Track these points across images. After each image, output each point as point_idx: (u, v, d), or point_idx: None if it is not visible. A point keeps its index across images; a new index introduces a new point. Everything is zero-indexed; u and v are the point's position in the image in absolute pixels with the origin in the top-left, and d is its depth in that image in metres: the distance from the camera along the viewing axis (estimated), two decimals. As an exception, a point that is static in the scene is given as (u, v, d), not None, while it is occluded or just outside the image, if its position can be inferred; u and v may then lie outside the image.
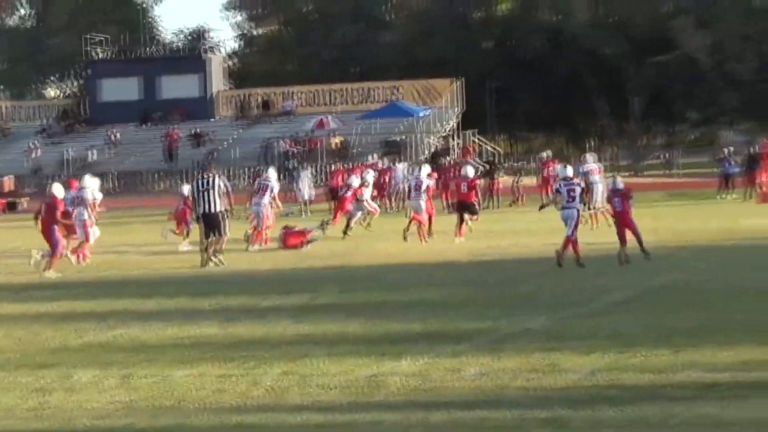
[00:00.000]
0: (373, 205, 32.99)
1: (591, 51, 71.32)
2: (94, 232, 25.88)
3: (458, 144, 60.44)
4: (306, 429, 9.81)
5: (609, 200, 22.12)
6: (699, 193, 43.44)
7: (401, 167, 43.75)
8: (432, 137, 60.68)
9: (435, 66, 68.37)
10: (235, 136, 64.87)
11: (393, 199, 41.57)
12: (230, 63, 79.93)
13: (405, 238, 27.57)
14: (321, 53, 77.57)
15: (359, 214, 31.62)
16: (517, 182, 43.27)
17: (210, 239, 23.71)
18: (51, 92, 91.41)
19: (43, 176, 60.32)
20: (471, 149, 57.22)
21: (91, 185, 26.56)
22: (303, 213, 40.24)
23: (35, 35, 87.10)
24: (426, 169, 30.83)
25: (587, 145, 65.51)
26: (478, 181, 30.87)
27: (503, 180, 44.13)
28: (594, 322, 14.47)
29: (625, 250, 21.35)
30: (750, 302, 15.76)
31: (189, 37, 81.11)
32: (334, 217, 31.83)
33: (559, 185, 22.57)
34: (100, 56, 71.66)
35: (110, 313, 16.82)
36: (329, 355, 12.57)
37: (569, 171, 23.62)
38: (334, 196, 40.56)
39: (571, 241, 21.37)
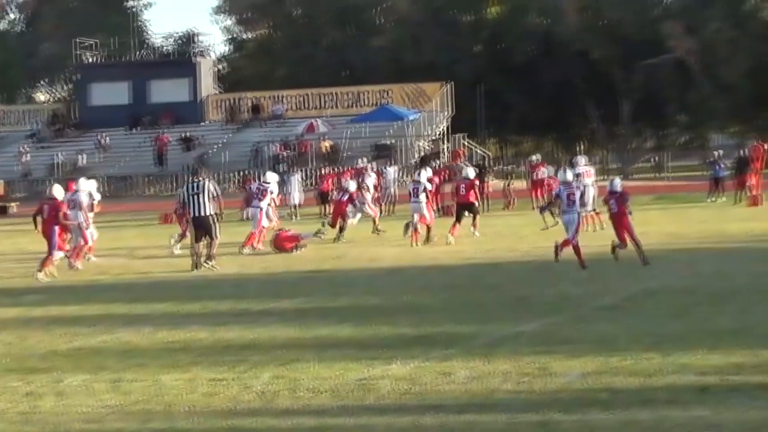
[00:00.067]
0: (373, 208, 33.04)
1: (580, 55, 71.36)
2: (92, 234, 25.92)
3: (448, 147, 60.46)
4: (297, 433, 9.81)
5: (605, 201, 22.12)
6: (689, 197, 43.47)
7: (392, 171, 43.81)
8: (422, 141, 60.71)
9: (425, 70, 68.33)
10: (225, 140, 64.77)
11: (383, 203, 41.55)
12: (220, 67, 79.73)
13: (428, 240, 27.59)
14: (311, 57, 77.42)
15: (356, 217, 31.63)
16: (509, 186, 43.30)
17: (202, 243, 23.78)
18: (41, 96, 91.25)
19: (32, 181, 60.30)
20: (461, 153, 57.31)
21: (87, 188, 26.63)
22: (293, 217, 40.23)
23: (25, 39, 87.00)
24: (426, 173, 30.82)
25: (577, 149, 65.53)
26: (477, 182, 30.98)
27: (493, 184, 44.16)
28: (584, 325, 14.48)
29: (623, 248, 21.38)
30: (740, 305, 15.76)
31: (179, 42, 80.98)
32: (333, 221, 31.83)
33: (559, 189, 22.66)
34: (89, 60, 71.50)
35: (100, 318, 16.81)
36: (320, 359, 12.56)
37: (569, 175, 23.66)
38: (324, 200, 40.61)
39: (572, 245, 21.41)
